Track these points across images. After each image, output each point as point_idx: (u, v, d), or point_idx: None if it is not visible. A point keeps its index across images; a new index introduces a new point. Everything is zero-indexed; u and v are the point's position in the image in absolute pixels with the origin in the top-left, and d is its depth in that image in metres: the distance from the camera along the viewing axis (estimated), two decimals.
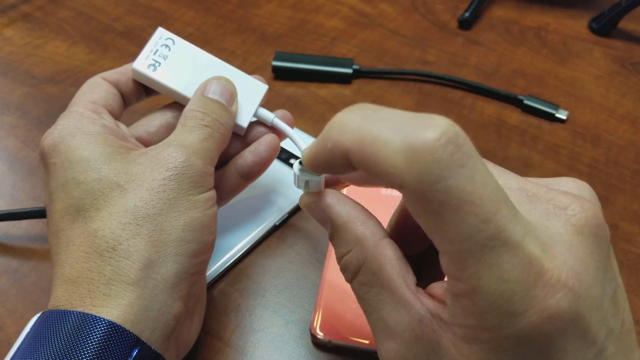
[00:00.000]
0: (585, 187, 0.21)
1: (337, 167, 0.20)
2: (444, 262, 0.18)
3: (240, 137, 0.32)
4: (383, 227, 0.23)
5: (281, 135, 0.33)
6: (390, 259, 0.22)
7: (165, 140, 0.28)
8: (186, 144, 0.27)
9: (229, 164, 0.32)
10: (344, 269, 0.23)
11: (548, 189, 0.20)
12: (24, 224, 0.37)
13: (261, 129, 0.33)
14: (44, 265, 0.34)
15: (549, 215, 0.19)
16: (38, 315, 0.24)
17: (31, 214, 0.35)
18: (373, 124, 0.18)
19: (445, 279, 0.22)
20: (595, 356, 0.18)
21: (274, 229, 0.37)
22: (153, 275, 0.24)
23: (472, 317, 0.18)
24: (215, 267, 0.34)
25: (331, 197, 0.23)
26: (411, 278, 0.22)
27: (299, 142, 0.30)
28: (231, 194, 0.32)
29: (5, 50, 0.50)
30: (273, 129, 0.33)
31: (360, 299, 0.22)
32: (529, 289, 0.17)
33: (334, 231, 0.23)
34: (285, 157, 0.40)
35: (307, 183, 0.23)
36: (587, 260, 0.18)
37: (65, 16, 0.54)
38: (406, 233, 0.25)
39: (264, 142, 0.32)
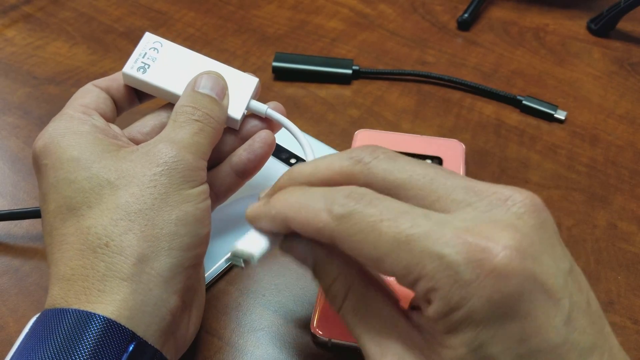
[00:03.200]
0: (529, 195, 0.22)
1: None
2: (392, 271, 0.20)
3: (234, 134, 0.32)
4: None
5: (275, 127, 0.33)
6: (375, 278, 0.23)
7: (157, 137, 0.28)
8: (177, 140, 0.27)
9: (224, 162, 0.32)
10: (332, 299, 0.24)
11: (492, 185, 0.21)
12: (25, 223, 0.37)
13: (256, 122, 0.33)
14: (45, 265, 0.34)
15: (492, 207, 0.20)
16: (37, 315, 0.24)
17: (32, 213, 0.35)
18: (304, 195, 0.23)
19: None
20: (565, 324, 0.19)
21: None
22: (147, 270, 0.24)
23: (441, 302, 0.19)
24: (215, 266, 0.34)
25: (307, 243, 0.24)
26: (395, 294, 0.23)
27: (295, 130, 0.30)
28: (227, 193, 0.32)
29: (6, 50, 0.50)
30: (268, 121, 0.33)
31: (351, 326, 0.23)
32: (469, 257, 0.18)
33: (317, 265, 0.24)
34: (286, 157, 0.40)
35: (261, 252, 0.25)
36: (530, 234, 0.19)
37: (66, 17, 0.54)
38: None
39: (258, 139, 0.32)
